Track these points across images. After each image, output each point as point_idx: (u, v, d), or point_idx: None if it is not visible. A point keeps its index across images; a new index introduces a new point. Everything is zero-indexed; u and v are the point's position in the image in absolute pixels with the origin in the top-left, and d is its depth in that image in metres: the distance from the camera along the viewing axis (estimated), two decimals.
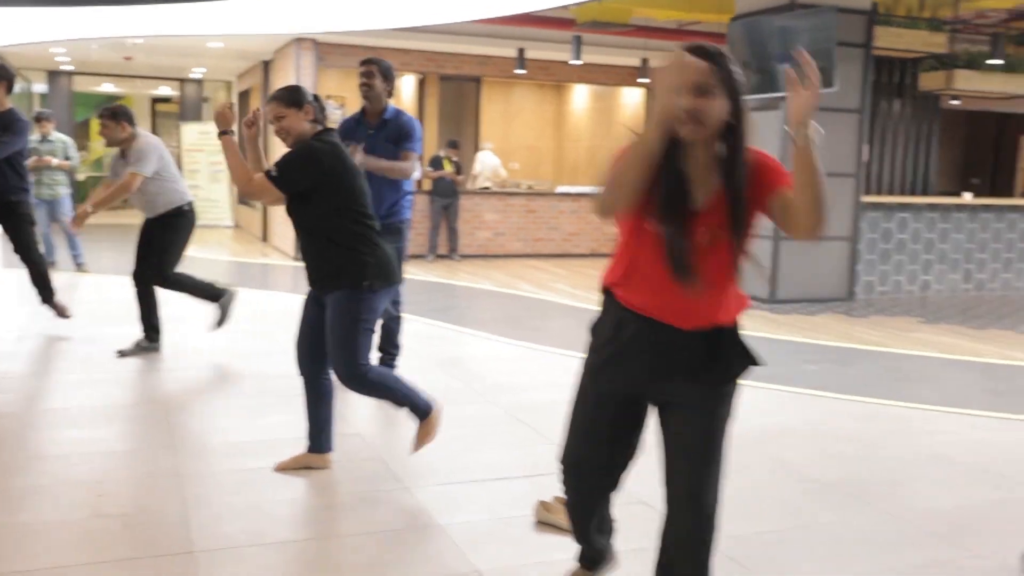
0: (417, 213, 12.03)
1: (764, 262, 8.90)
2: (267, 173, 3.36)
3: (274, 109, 3.42)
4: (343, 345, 3.42)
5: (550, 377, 5.52)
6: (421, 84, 14.07)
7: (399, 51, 12.12)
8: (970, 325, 7.94)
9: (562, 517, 3.20)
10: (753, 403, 5.08)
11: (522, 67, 11.59)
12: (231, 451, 3.97)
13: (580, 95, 15.31)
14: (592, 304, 8.56)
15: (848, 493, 3.68)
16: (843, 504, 3.56)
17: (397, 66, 12.89)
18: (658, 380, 2.20)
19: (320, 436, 3.65)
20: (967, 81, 9.76)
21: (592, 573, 2.62)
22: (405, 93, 14.83)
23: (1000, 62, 9.73)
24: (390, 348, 4.98)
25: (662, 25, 11.52)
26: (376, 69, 4.75)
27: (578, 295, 9.11)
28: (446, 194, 11.93)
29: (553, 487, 3.32)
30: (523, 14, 10.24)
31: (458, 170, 12.09)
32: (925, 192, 12.58)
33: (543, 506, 3.25)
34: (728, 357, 2.17)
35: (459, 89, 14.50)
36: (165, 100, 20.03)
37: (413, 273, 10.10)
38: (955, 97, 11.88)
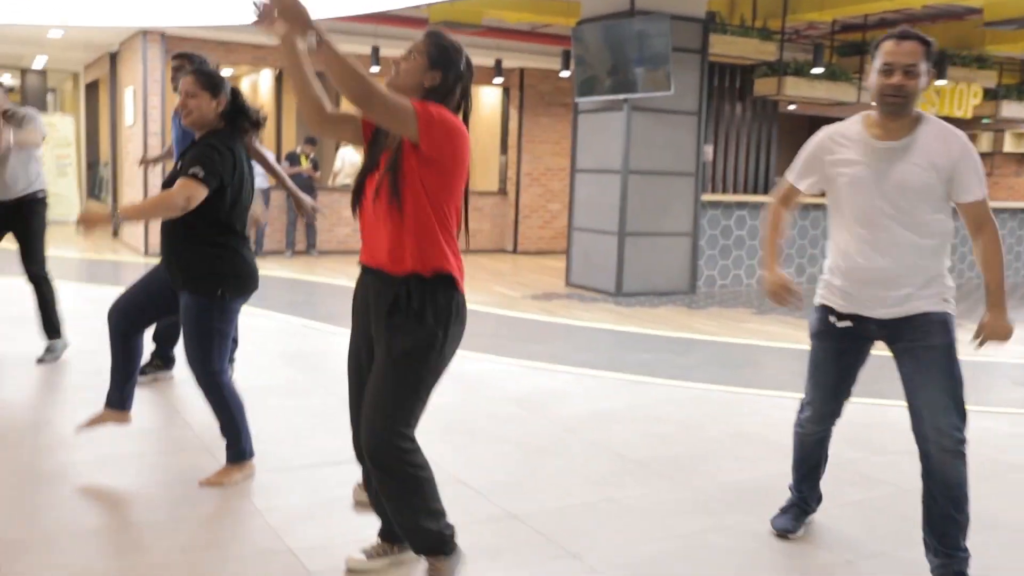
0: (275, 209, 11.90)
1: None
2: (191, 175, 3.23)
3: (189, 85, 3.37)
4: (196, 349, 3.41)
5: None
6: (279, 79, 13.88)
7: (252, 46, 11.96)
8: (796, 316, 8.48)
9: None
10: (585, 389, 5.35)
11: (377, 64, 11.62)
12: (54, 445, 3.90)
13: None
14: None
15: (657, 470, 3.94)
16: (650, 479, 3.82)
17: (251, 60, 12.77)
18: (372, 323, 2.52)
19: (120, 392, 3.61)
20: (796, 88, 10.39)
21: (391, 545, 2.75)
22: (263, 88, 14.60)
23: (821, 70, 10.40)
24: None
25: (514, 27, 11.79)
26: (188, 63, 4.75)
27: None
28: (303, 190, 11.80)
29: None
30: (377, 13, 10.30)
31: (315, 166, 12.03)
32: (766, 191, 13.31)
33: (361, 487, 3.36)
34: (416, 305, 2.40)
35: (320, 85, 14.37)
36: (8, 90, 19.05)
37: (270, 269, 10.00)
38: (792, 102, 12.60)
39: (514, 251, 13.50)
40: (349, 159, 13.48)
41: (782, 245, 3.11)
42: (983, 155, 17.31)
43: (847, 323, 2.88)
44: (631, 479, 3.81)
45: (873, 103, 2.80)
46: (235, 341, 5.01)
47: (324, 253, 12.20)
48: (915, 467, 4.02)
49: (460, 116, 2.48)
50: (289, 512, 3.27)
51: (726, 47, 9.91)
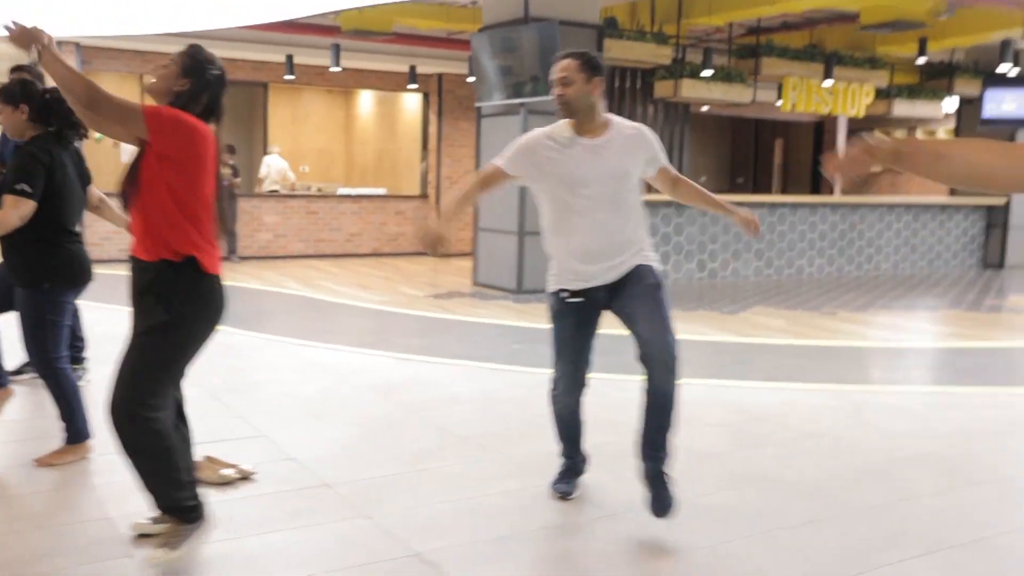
0: None
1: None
2: (15, 191, 3.56)
3: None
4: (32, 338, 3.76)
5: (264, 362, 5.97)
6: None
7: (167, 55, 12.16)
8: (682, 308, 8.92)
9: (209, 474, 3.67)
10: (444, 377, 5.72)
11: (291, 72, 11.92)
12: None
13: (366, 100, 15.76)
14: (347, 299, 9.04)
15: (479, 444, 4.32)
16: (468, 452, 4.20)
17: None
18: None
19: None
20: (692, 89, 10.86)
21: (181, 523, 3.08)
22: None
23: (710, 73, 10.84)
24: (74, 342, 5.21)
25: (428, 33, 12.16)
26: (26, 75, 4.95)
27: (339, 291, 9.56)
28: (223, 197, 12.09)
29: (216, 450, 3.81)
30: (288, 21, 10.61)
31: (235, 173, 12.30)
32: None
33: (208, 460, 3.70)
34: (161, 288, 2.76)
35: (246, 93, 14.62)
36: None
37: None
38: (689, 103, 13.03)
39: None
40: (276, 166, 13.76)
41: (459, 210, 3.35)
42: None
43: (579, 299, 3.34)
44: (450, 452, 4.18)
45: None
46: (81, 339, 5.25)
47: (246, 259, 12.46)
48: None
49: (211, 121, 2.86)
50: (121, 487, 3.57)
51: (623, 51, 10.35)
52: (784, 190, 18.97)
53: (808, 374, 6.19)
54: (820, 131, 18.05)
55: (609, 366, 5.49)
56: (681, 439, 4.38)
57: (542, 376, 5.75)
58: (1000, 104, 12.50)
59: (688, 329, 7.65)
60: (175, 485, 2.82)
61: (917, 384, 6.11)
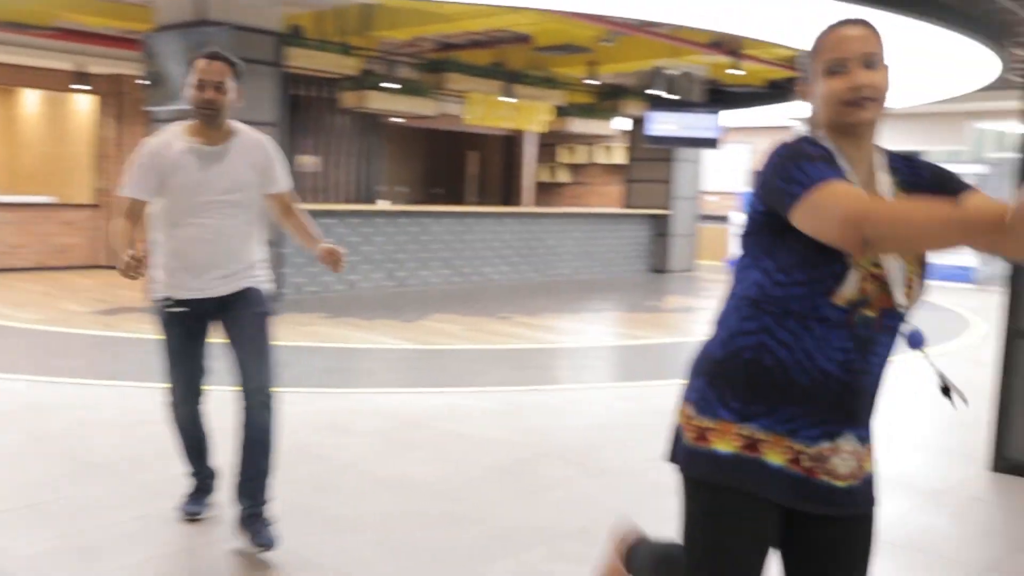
0: None
1: None
2: None
3: None
4: None
5: None
6: None
7: None
8: (364, 317, 8.96)
9: None
10: (88, 398, 5.33)
11: None
12: None
13: (31, 100, 14.38)
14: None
15: (111, 470, 4.05)
16: (98, 480, 3.93)
17: None
18: None
19: None
20: (378, 101, 10.95)
21: None
22: None
23: (392, 85, 10.98)
24: None
25: (100, 31, 11.32)
26: None
27: None
28: None
29: None
30: None
31: None
32: (368, 199, 13.91)
33: None
34: None
35: None
36: None
37: None
38: (377, 115, 13.17)
39: (114, 266, 12.94)
40: None
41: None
42: (579, 166, 19.34)
43: (184, 308, 3.22)
44: (77, 481, 3.88)
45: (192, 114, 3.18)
46: None
47: None
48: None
49: None
50: None
51: (307, 60, 10.21)
52: (480, 201, 19.68)
53: (472, 377, 6.44)
54: (511, 144, 18.93)
55: None
56: (324, 449, 4.42)
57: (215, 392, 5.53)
58: (661, 124, 13.77)
59: (364, 338, 7.71)
60: None
61: (569, 382, 6.56)
